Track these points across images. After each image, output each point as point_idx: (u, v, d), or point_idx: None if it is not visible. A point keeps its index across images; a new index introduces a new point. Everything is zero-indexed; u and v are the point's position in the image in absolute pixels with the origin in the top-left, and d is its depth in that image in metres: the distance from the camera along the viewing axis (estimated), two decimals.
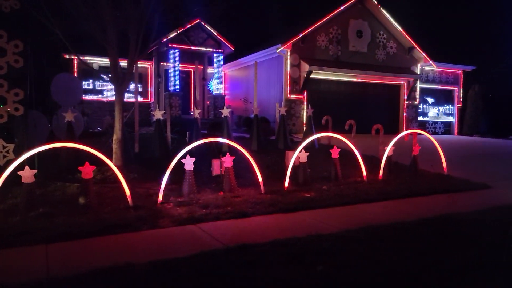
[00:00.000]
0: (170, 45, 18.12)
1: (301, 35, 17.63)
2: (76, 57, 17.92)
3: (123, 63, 8.60)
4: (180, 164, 6.98)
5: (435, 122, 23.01)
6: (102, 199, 6.55)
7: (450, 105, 23.47)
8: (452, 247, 4.71)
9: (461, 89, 23.59)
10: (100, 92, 19.52)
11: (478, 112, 23.26)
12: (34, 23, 8.20)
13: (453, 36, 33.68)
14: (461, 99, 23.60)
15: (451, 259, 4.30)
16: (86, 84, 19.01)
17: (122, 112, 8.79)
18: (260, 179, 7.43)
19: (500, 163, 12.17)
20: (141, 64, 19.76)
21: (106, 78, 18.62)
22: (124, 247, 4.73)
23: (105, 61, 17.55)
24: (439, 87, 22.96)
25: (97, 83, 19.42)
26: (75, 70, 18.92)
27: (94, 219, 5.59)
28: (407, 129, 20.16)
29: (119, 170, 6.44)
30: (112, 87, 8.92)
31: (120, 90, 8.78)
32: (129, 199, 6.28)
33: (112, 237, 5.01)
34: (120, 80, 8.69)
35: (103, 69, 18.70)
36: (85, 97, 18.27)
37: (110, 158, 8.03)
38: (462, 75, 23.56)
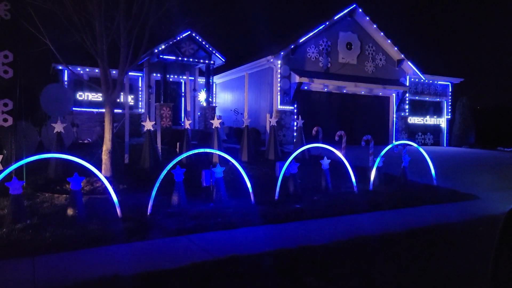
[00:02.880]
0: (161, 56, 18.14)
1: (292, 47, 17.79)
2: (66, 68, 17.87)
3: (114, 73, 8.60)
4: (170, 175, 6.95)
5: (424, 134, 23.26)
6: (91, 211, 6.49)
7: (439, 117, 23.76)
8: (441, 258, 4.74)
9: (450, 101, 23.92)
10: (90, 102, 19.44)
11: (467, 123, 23.57)
12: (24, 34, 8.19)
13: (442, 49, 34.29)
14: (449, 111, 23.92)
15: (440, 271, 4.32)
16: (76, 95, 18.92)
17: (112, 123, 8.76)
18: (250, 189, 7.42)
19: (488, 174, 12.31)
20: (132, 75, 19.74)
21: (96, 88, 18.55)
22: (112, 259, 4.68)
23: (95, 72, 17.51)
24: (428, 99, 23.25)
25: (87, 93, 19.33)
26: (65, 80, 18.84)
27: (83, 230, 5.53)
28: (396, 140, 20.35)
29: (108, 181, 6.40)
30: (103, 97, 8.90)
31: (110, 100, 8.76)
32: (118, 211, 6.23)
33: (100, 249, 4.95)
34: (110, 90, 8.68)
35: (93, 79, 18.64)
36: (75, 107, 18.15)
37: (100, 169, 7.99)
38: (450, 87, 23.91)
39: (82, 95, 19.27)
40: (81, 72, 18.61)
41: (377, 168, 9.31)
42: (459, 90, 24.52)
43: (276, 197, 7.77)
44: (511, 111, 25.89)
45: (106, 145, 8.66)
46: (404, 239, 5.49)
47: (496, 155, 18.43)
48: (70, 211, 6.12)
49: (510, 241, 1.81)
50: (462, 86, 24.64)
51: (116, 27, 8.46)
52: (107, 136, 8.69)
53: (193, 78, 20.81)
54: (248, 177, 7.47)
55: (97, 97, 19.34)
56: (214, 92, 22.44)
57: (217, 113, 20.32)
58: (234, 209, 6.90)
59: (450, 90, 23.92)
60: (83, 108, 19.12)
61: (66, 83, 18.69)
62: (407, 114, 21.76)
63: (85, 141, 16.50)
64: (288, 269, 4.24)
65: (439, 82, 23.42)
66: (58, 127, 9.15)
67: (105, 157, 8.65)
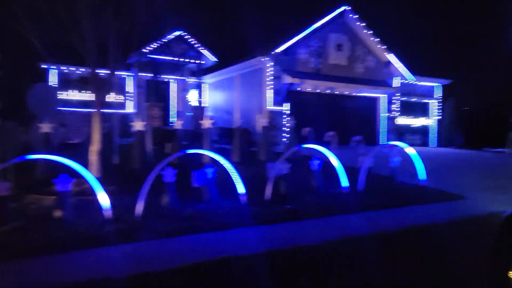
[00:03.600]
0: (151, 55, 18.04)
1: (283, 48, 17.83)
2: (53, 67, 17.64)
3: (103, 72, 8.51)
4: (160, 176, 6.89)
5: (413, 134, 23.46)
6: (79, 212, 6.40)
7: (427, 118, 23.99)
8: (430, 257, 4.77)
9: (438, 102, 24.17)
10: (79, 102, 19.25)
11: (454, 124, 23.84)
12: (11, 33, 8.06)
13: (431, 51, 34.63)
14: (438, 112, 24.17)
15: (430, 270, 4.35)
16: (64, 94, 18.71)
17: (101, 123, 8.67)
18: (242, 190, 7.40)
19: (475, 175, 12.44)
20: (121, 74, 19.58)
21: (85, 88, 18.35)
22: (102, 261, 4.61)
23: (84, 71, 17.34)
24: (417, 100, 23.47)
25: (75, 93, 19.14)
26: (53, 80, 18.63)
27: (71, 233, 5.45)
28: (386, 140, 20.50)
29: (97, 182, 6.32)
30: (91, 97, 8.80)
31: (99, 100, 8.66)
32: (107, 212, 6.16)
33: (89, 251, 4.88)
34: (99, 90, 8.59)
35: (82, 79, 18.43)
36: (63, 107, 17.95)
37: (88, 170, 7.89)
38: (439, 88, 24.16)
39: (70, 95, 19.06)
40: (69, 71, 18.42)
41: (367, 168, 9.35)
42: (448, 91, 24.81)
43: (267, 198, 7.75)
44: (497, 111, 26.23)
45: (95, 146, 8.56)
46: (394, 238, 5.52)
47: (482, 155, 18.66)
48: (57, 213, 6.03)
49: (506, 247, 1.83)
50: (451, 87, 24.93)
51: (105, 26, 8.37)
52: (96, 136, 8.59)
53: (183, 78, 20.74)
54: (240, 178, 7.44)
55: (85, 96, 19.16)
56: (206, 92, 22.37)
57: (209, 113, 20.28)
58: (225, 210, 6.86)
59: (439, 91, 24.17)
60: (72, 107, 18.92)
61: (53, 82, 18.47)
62: (396, 115, 21.93)
63: (74, 141, 16.32)
64: (280, 270, 4.23)
65: (428, 84, 23.65)
66: (46, 127, 9.03)
67: (93, 157, 8.55)
